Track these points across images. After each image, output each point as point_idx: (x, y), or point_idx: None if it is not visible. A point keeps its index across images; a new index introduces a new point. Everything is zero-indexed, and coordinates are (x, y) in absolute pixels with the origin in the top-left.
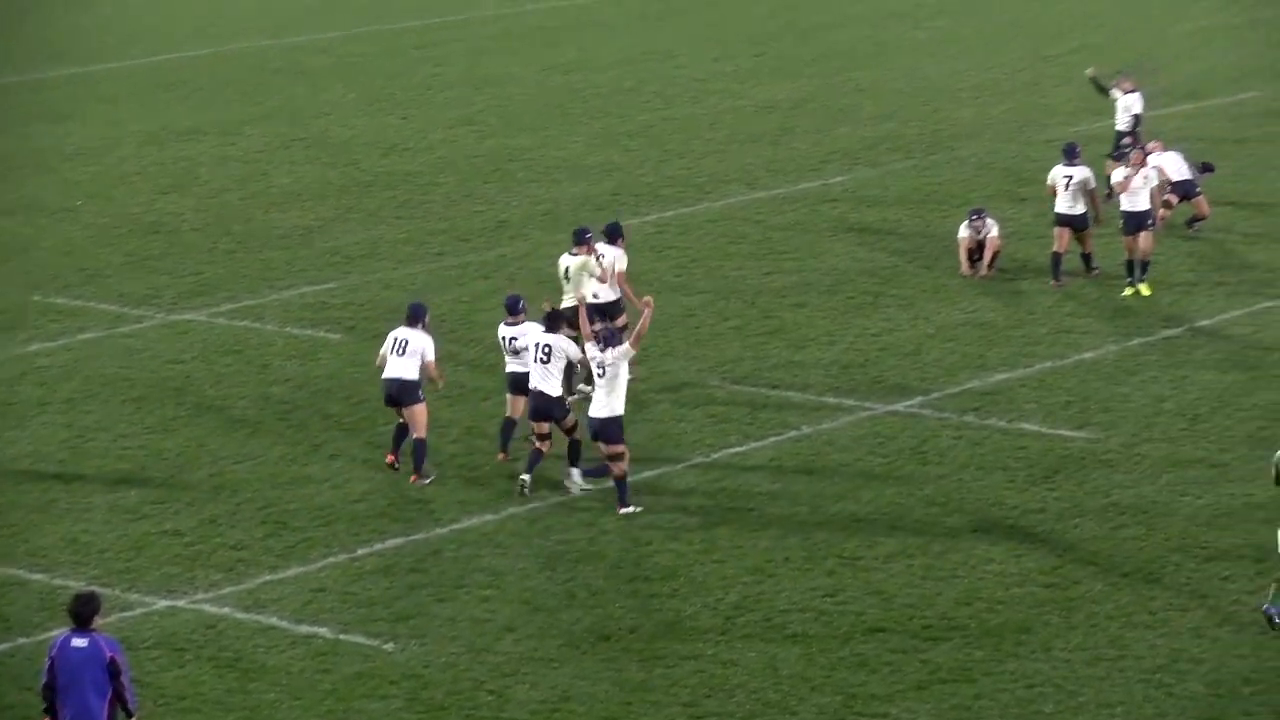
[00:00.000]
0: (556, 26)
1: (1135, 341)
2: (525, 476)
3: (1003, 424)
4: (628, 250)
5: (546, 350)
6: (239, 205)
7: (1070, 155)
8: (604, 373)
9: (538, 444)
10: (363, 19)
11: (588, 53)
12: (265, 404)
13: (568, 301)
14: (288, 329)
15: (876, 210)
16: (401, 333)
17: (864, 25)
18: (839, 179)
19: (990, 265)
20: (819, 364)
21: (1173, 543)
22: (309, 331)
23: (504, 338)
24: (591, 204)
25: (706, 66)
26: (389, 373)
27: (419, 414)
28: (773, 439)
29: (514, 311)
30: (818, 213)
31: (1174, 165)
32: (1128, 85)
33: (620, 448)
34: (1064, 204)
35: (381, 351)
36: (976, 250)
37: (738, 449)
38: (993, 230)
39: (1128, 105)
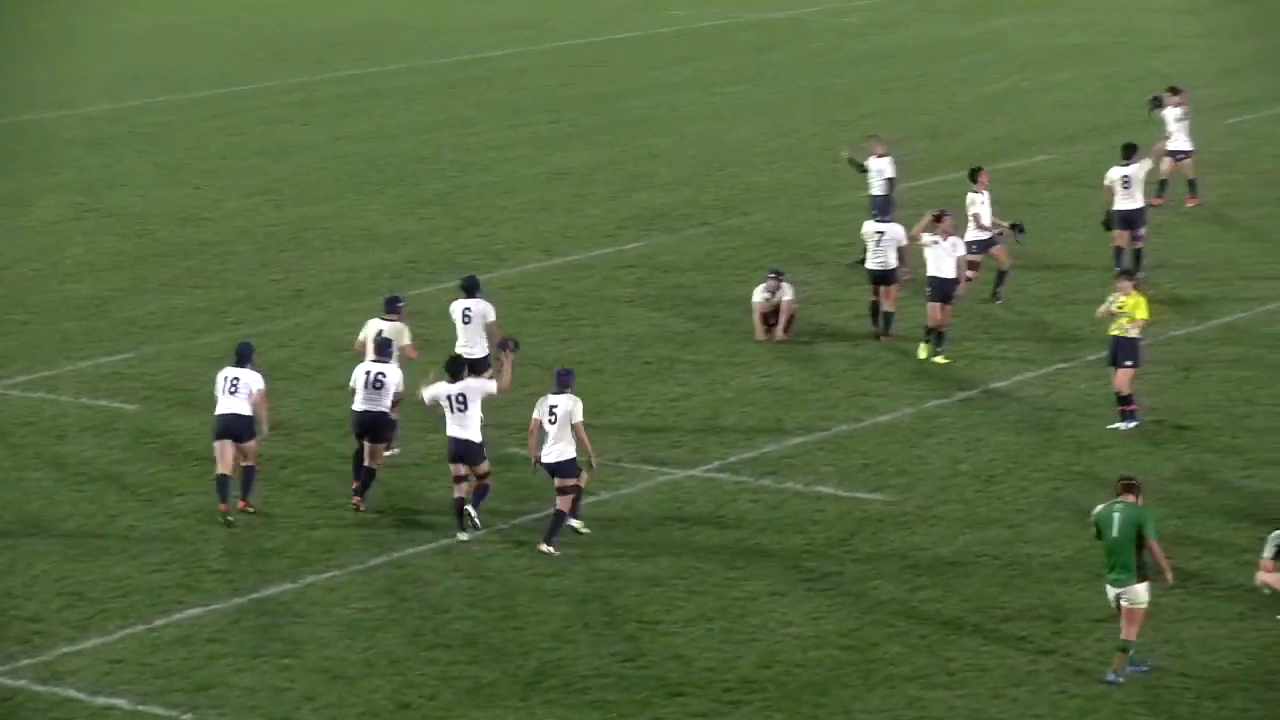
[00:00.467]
0: (352, 94)
1: (931, 404)
2: (470, 509)
3: (800, 487)
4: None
5: (461, 398)
6: (33, 277)
7: (883, 211)
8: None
9: (456, 488)
10: (158, 89)
11: (383, 121)
12: (61, 475)
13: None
14: (83, 400)
15: (672, 276)
16: (232, 372)
17: (660, 92)
18: (635, 245)
19: (786, 329)
20: (616, 429)
21: (970, 603)
22: (104, 402)
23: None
24: (388, 272)
25: (502, 134)
26: (222, 408)
27: (252, 449)
28: (593, 500)
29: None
30: (614, 279)
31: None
32: (879, 149)
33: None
34: (874, 260)
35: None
36: (772, 314)
37: (535, 515)
38: (788, 294)
39: (880, 169)
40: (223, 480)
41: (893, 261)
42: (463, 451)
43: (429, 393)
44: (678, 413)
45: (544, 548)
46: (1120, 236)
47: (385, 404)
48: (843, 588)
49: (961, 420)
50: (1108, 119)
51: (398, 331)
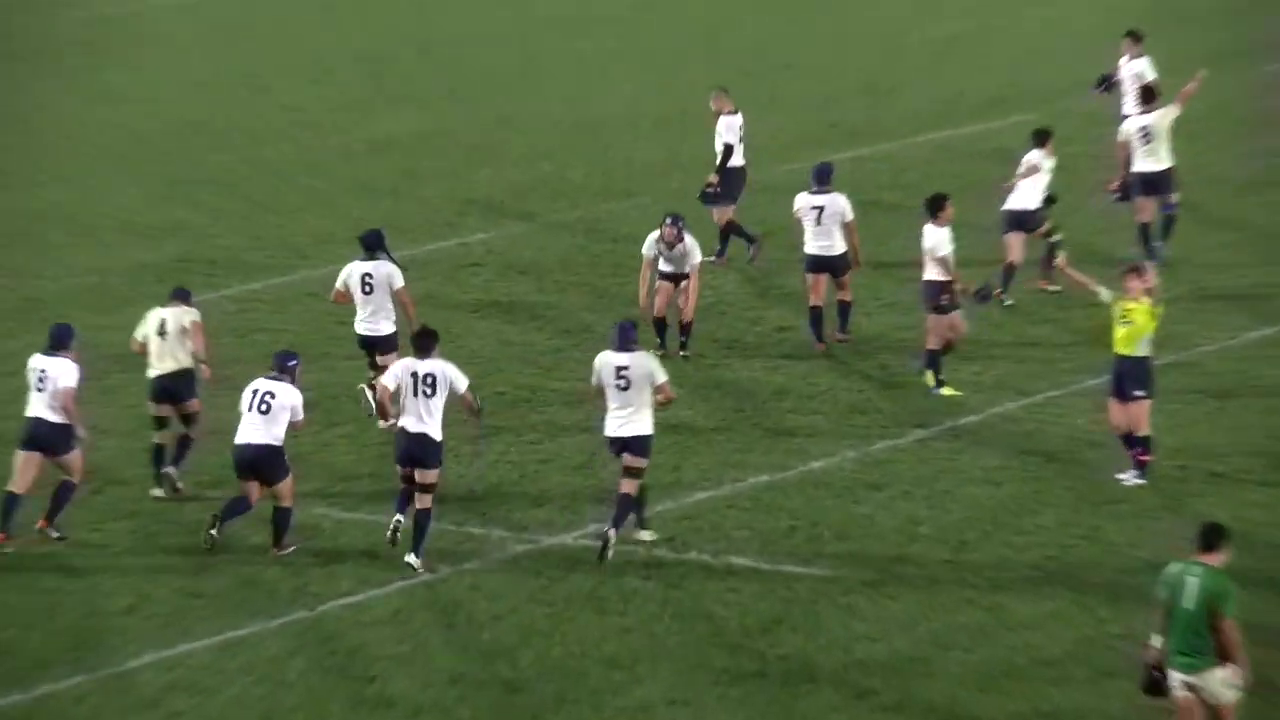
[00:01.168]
0: (99, 41)
1: (880, 445)
2: (399, 518)
3: (707, 558)
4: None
5: (430, 379)
6: None
7: (820, 179)
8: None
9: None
10: None
11: (144, 76)
12: None
13: (165, 368)
14: None
15: (530, 278)
16: (40, 362)
17: (511, 40)
18: (480, 236)
19: (686, 320)
20: (458, 484)
21: (937, 714)
22: None
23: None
24: (152, 273)
25: (302, 93)
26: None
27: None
28: (398, 584)
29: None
30: (454, 281)
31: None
32: (726, 107)
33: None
34: (815, 244)
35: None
36: (673, 282)
37: (352, 598)
38: (695, 255)
39: (729, 125)
40: (10, 499)
41: (840, 245)
42: (417, 450)
43: (391, 373)
44: (540, 459)
45: (643, 535)
46: (1144, 207)
47: (276, 435)
48: (766, 693)
49: (921, 467)
50: (1103, 65)
51: (181, 323)
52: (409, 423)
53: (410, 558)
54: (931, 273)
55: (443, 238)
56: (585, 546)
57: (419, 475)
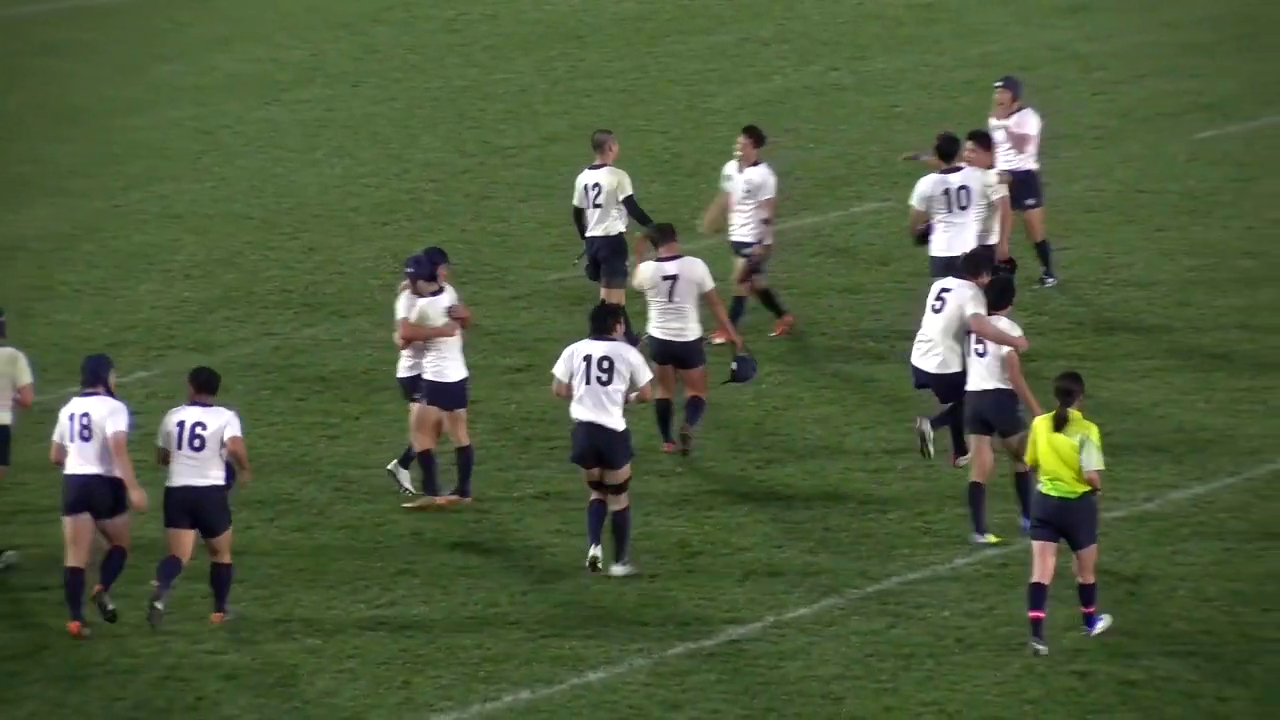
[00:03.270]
0: None
1: (677, 650)
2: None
3: None
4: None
5: (606, 363)
6: None
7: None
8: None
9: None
10: None
11: None
12: None
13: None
14: None
15: None
16: (81, 405)
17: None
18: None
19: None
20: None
21: None
22: None
23: None
24: None
25: None
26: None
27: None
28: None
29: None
30: None
31: None
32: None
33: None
34: (662, 326)
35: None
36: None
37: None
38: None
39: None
40: (74, 580)
41: (692, 330)
42: (602, 444)
43: (562, 362)
44: None
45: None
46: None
47: (214, 475)
48: None
49: (736, 679)
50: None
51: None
52: (581, 413)
53: (616, 568)
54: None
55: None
56: None
57: (607, 476)
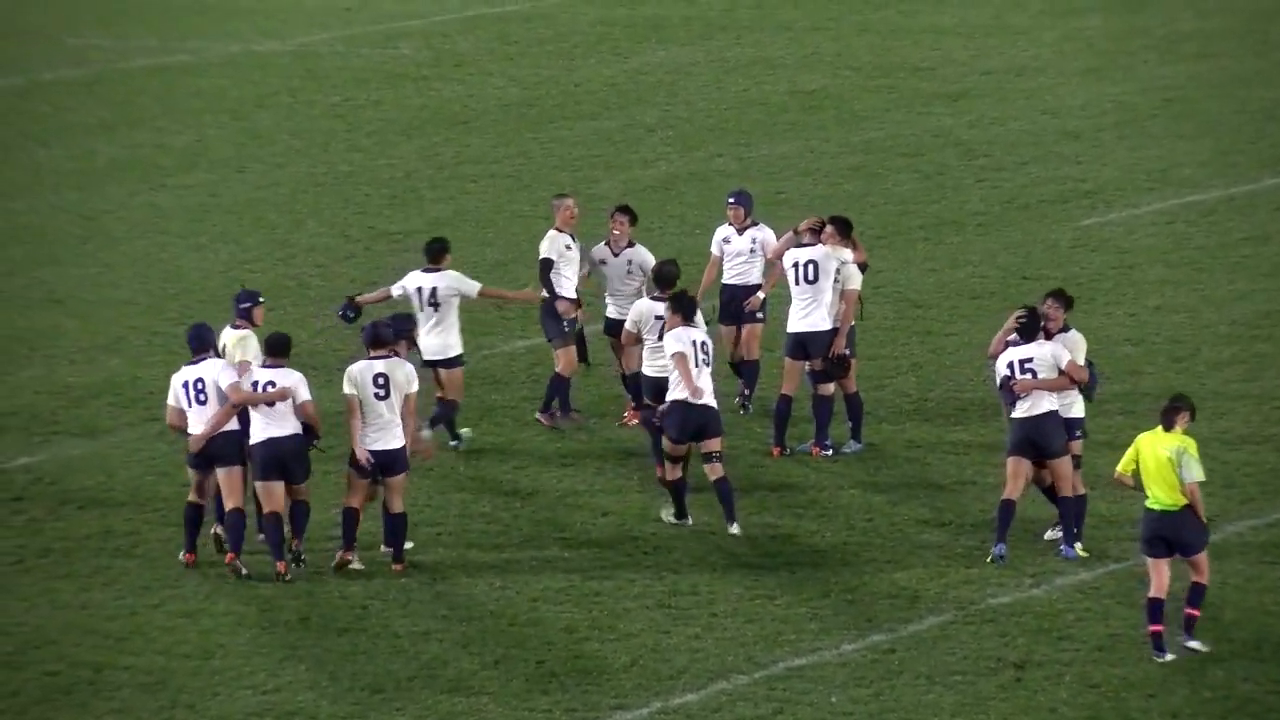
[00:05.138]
0: None
1: (736, 683)
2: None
3: None
4: None
5: (705, 346)
6: None
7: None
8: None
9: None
10: None
11: None
12: None
13: None
14: None
15: None
16: (193, 372)
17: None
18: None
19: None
20: None
21: None
22: None
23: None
24: None
25: None
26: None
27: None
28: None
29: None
30: None
31: None
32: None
33: None
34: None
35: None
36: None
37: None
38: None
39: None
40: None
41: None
42: (708, 420)
43: (678, 341)
44: None
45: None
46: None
47: (290, 426)
48: None
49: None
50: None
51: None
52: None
53: (734, 528)
54: None
55: None
56: None
57: (704, 445)
